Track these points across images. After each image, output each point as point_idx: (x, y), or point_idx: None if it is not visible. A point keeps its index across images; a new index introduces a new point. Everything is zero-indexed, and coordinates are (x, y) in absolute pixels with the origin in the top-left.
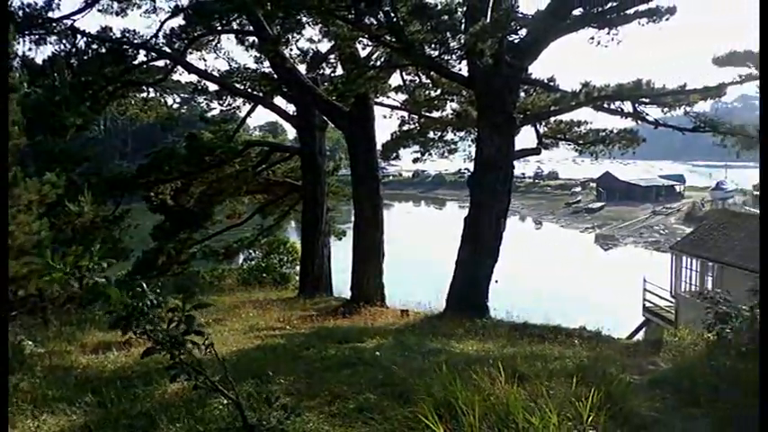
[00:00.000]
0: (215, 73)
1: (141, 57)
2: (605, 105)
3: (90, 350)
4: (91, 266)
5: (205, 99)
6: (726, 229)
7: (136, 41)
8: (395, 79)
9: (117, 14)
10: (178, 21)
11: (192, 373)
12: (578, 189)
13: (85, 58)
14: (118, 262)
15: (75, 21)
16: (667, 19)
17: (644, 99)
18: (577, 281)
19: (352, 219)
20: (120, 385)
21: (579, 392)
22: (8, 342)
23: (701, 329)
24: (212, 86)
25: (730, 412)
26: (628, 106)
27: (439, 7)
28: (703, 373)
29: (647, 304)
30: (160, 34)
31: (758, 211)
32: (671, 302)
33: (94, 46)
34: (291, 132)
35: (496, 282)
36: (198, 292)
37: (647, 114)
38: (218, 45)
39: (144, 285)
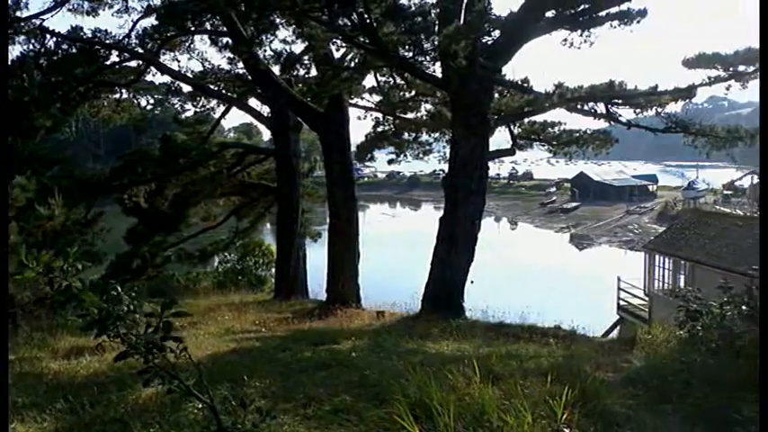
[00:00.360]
0: (189, 74)
1: (113, 57)
2: (578, 106)
3: (62, 356)
4: (65, 268)
5: (179, 100)
6: (697, 228)
7: (108, 41)
8: (369, 80)
9: (88, 14)
10: (151, 21)
11: (166, 378)
12: (553, 189)
13: (55, 58)
14: (91, 266)
15: (44, 20)
16: (638, 21)
17: (616, 100)
18: (553, 280)
19: (328, 220)
20: (93, 391)
21: (553, 391)
22: (8, 343)
23: (674, 327)
24: (186, 87)
25: (700, 407)
26: (601, 107)
27: (413, 9)
28: (675, 370)
29: (622, 302)
30: (132, 34)
31: (728, 210)
32: (645, 300)
33: (65, 46)
34: (266, 134)
35: (472, 282)
36: (174, 296)
37: (619, 115)
38: (192, 46)
39: (119, 288)
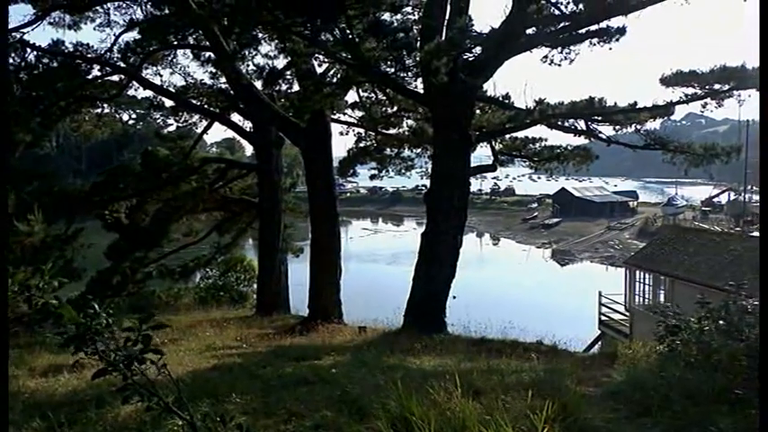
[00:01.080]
0: (171, 88)
1: (95, 71)
2: (559, 123)
3: (39, 374)
4: (41, 285)
5: (161, 115)
6: (676, 243)
7: (89, 55)
8: (351, 96)
9: (69, 28)
10: (133, 35)
11: (145, 395)
12: (535, 205)
13: (36, 72)
14: (70, 282)
15: (24, 33)
16: (617, 39)
17: (596, 117)
18: (535, 295)
19: (310, 236)
20: (72, 409)
21: (534, 405)
22: (8, 343)
23: (654, 342)
24: (168, 102)
25: (679, 420)
26: (581, 124)
27: (394, 25)
28: (654, 384)
29: (603, 318)
30: (115, 48)
31: (706, 226)
32: (626, 316)
33: (45, 60)
34: (249, 149)
35: (455, 297)
36: (154, 312)
37: (599, 132)
38: (175, 60)
39: (97, 305)
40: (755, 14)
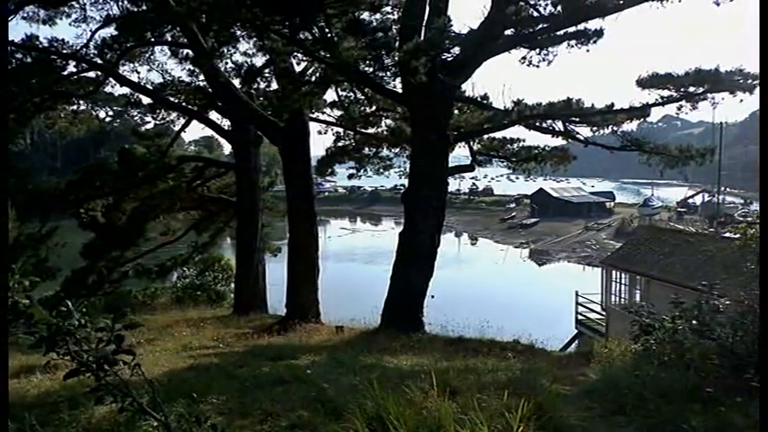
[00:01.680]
0: (148, 86)
1: (71, 67)
2: (537, 124)
3: (11, 375)
4: (12, 285)
5: (138, 112)
6: (652, 244)
7: (65, 51)
8: (330, 95)
9: (44, 23)
10: (110, 31)
11: (119, 395)
12: (513, 205)
13: (9, 67)
14: (44, 281)
15: None
16: (595, 42)
17: (574, 118)
18: (512, 295)
19: (288, 235)
20: (44, 410)
21: (510, 404)
22: (8, 343)
23: (629, 341)
24: (146, 99)
25: (652, 418)
26: (559, 125)
27: (373, 24)
28: (629, 383)
29: (580, 317)
30: (91, 44)
31: (681, 227)
32: (602, 315)
33: (19, 55)
34: (227, 147)
35: (433, 297)
36: (129, 311)
37: (577, 133)
38: (152, 57)
39: (69, 304)
40: (755, 14)
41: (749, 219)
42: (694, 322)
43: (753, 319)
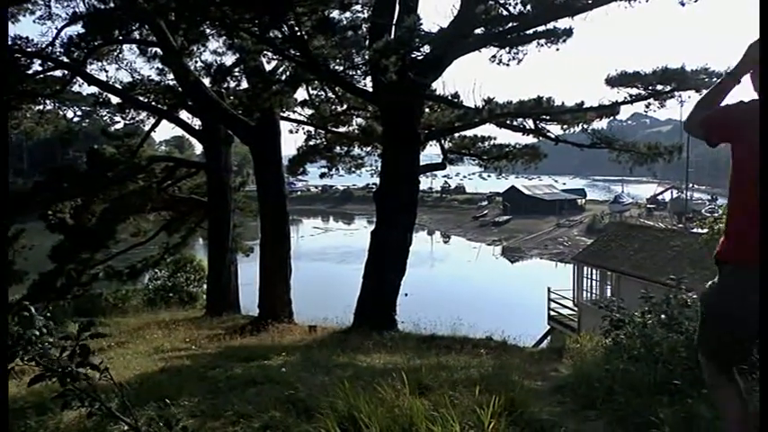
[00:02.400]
0: (117, 85)
1: (36, 66)
2: (508, 122)
3: None
4: None
5: (108, 112)
6: (622, 240)
7: (29, 49)
8: (301, 94)
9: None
10: (76, 28)
11: (87, 400)
12: (485, 203)
13: None
14: (11, 286)
15: None
16: (564, 41)
17: (544, 116)
18: (485, 292)
19: (260, 235)
20: (10, 417)
21: (482, 400)
22: (8, 343)
23: (600, 336)
24: (115, 99)
25: (622, 411)
26: (530, 123)
27: (344, 23)
28: (599, 377)
29: (552, 313)
30: (57, 42)
31: (651, 223)
32: (574, 311)
33: None
34: (198, 147)
35: (406, 295)
36: (97, 316)
37: (548, 131)
38: (121, 56)
39: (32, 309)
40: (755, 14)
41: (716, 214)
42: (663, 316)
43: None
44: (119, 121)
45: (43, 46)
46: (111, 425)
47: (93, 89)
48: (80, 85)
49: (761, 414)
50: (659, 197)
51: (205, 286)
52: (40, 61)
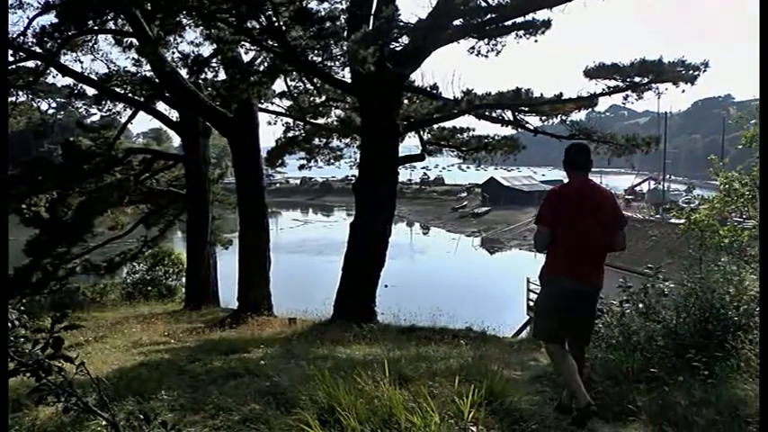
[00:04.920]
0: (93, 76)
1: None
2: (486, 113)
3: None
4: None
5: (83, 104)
6: None
7: None
8: (279, 85)
9: None
10: (50, 18)
11: (63, 395)
12: (464, 194)
13: None
14: None
15: None
16: (543, 32)
17: (523, 107)
18: (465, 283)
19: (239, 227)
20: None
21: (462, 390)
22: (7, 343)
23: None
24: (90, 90)
25: (601, 400)
26: (508, 114)
27: (322, 13)
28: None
29: (531, 303)
30: (29, 32)
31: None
32: None
33: None
34: (177, 140)
35: (386, 286)
36: (77, 309)
37: (526, 122)
38: (96, 46)
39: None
40: (755, 14)
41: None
42: (641, 306)
43: (695, 302)
44: (95, 113)
45: (15, 36)
46: (88, 420)
47: (68, 80)
48: (54, 77)
49: (760, 414)
50: (637, 188)
51: (184, 279)
52: (11, 52)
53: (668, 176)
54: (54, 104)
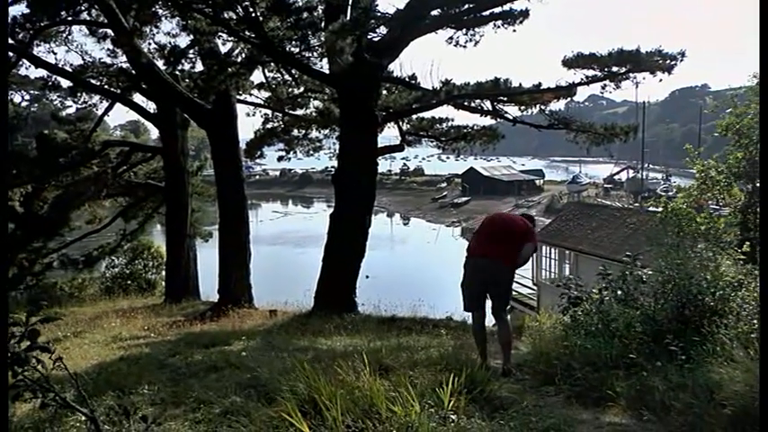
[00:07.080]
0: (67, 67)
1: None
2: (465, 103)
3: None
4: None
5: (58, 96)
6: (580, 219)
7: None
8: (257, 76)
9: None
10: (21, 8)
11: (40, 391)
12: (444, 185)
13: None
14: None
15: None
16: (521, 22)
17: (502, 97)
18: (445, 273)
19: (218, 220)
20: None
21: (442, 379)
22: (7, 342)
23: (558, 313)
24: (65, 82)
25: (580, 386)
26: (487, 104)
27: (299, 4)
28: (558, 354)
29: (513, 292)
30: None
31: (608, 202)
32: (533, 290)
33: None
34: (155, 132)
35: (367, 277)
36: (53, 307)
37: (505, 112)
38: (70, 37)
39: None
40: (755, 14)
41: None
42: (619, 293)
43: (672, 288)
44: (70, 106)
45: None
46: (66, 416)
47: (42, 72)
48: (27, 68)
49: (761, 414)
50: (616, 177)
51: (164, 273)
52: None
53: (647, 165)
54: (27, 97)
